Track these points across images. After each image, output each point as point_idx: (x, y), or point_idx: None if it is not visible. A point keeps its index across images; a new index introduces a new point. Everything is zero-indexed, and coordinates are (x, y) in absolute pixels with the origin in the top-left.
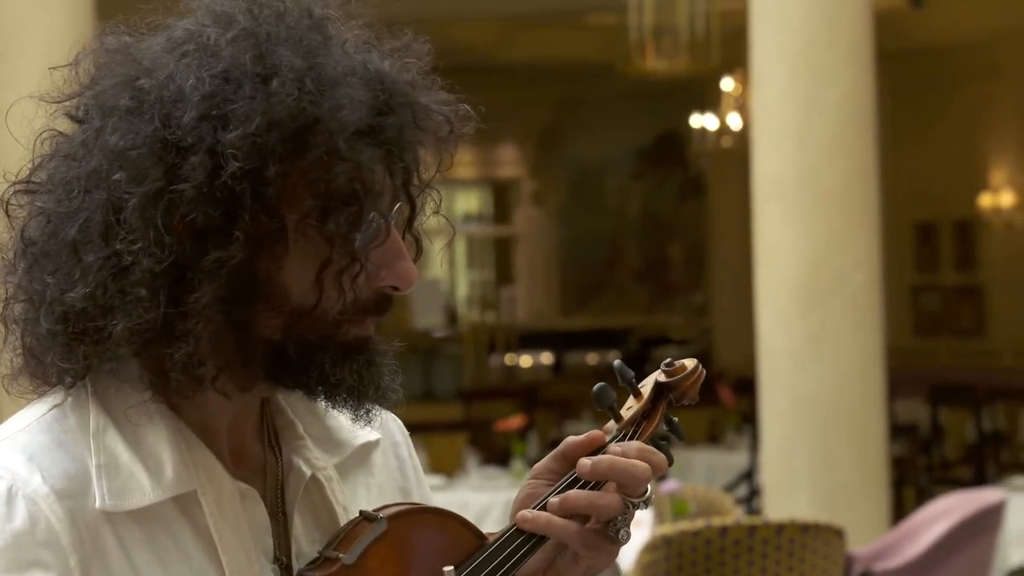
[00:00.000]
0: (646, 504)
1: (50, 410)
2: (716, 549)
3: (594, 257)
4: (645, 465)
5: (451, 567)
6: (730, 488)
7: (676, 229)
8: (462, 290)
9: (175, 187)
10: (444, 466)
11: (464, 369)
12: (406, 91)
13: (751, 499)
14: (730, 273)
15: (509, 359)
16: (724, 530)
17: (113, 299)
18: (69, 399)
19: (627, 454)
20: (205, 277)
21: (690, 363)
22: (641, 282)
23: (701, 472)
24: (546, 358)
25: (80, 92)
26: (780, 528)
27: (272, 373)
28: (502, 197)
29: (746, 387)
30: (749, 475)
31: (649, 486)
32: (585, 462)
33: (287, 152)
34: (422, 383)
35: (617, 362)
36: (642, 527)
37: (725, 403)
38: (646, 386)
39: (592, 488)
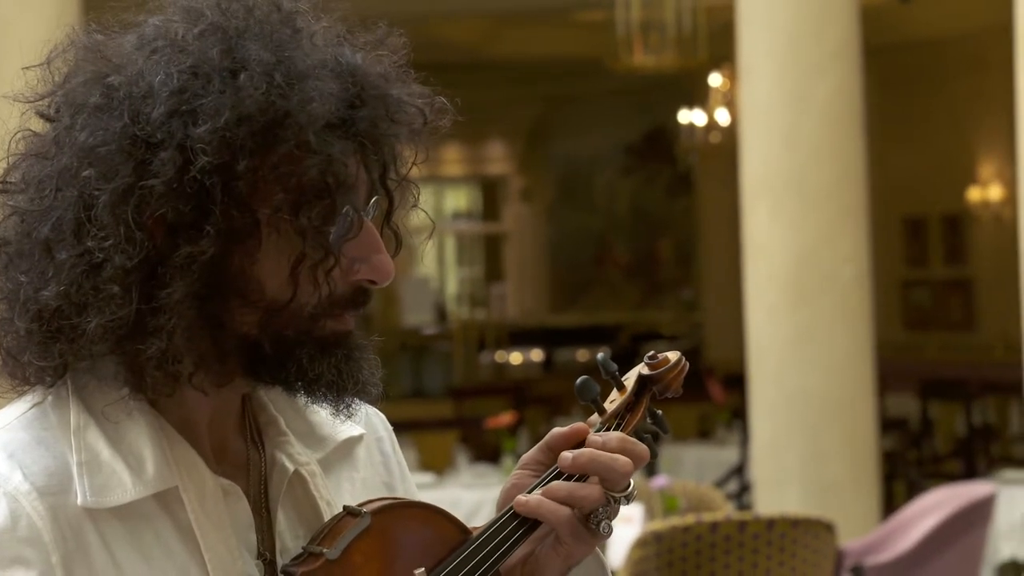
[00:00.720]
0: (628, 499)
1: (30, 408)
2: (707, 545)
3: (583, 254)
4: (626, 459)
5: (422, 569)
6: (720, 484)
7: (665, 225)
8: (452, 287)
9: (145, 183)
10: (435, 464)
11: (454, 366)
12: (378, 83)
13: (742, 494)
14: (719, 269)
15: (499, 356)
16: (715, 526)
17: (86, 296)
18: (49, 397)
19: (608, 445)
20: (177, 273)
21: (673, 356)
22: (630, 278)
23: (691, 468)
24: (536, 355)
25: (52, 91)
26: (771, 523)
27: (249, 369)
28: (491, 194)
29: (736, 382)
30: (739, 470)
31: (632, 481)
32: (566, 455)
33: (257, 146)
34: (412, 381)
35: (601, 355)
36: (633, 523)
37: (715, 398)
38: (629, 379)
39: (576, 480)
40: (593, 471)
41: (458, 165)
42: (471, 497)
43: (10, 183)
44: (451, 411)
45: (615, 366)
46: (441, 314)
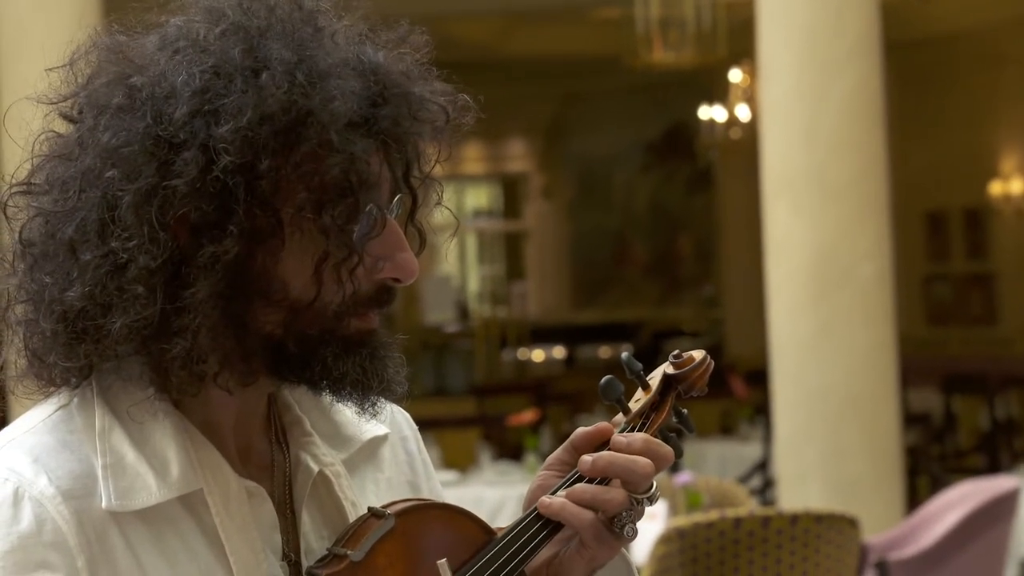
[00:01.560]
0: (651, 500)
1: (56, 411)
2: (730, 540)
3: (603, 251)
4: (646, 461)
5: (443, 560)
6: (744, 479)
7: (685, 222)
8: (473, 285)
9: (168, 183)
10: (457, 461)
11: (476, 364)
12: (400, 81)
13: (765, 490)
14: (740, 265)
15: (521, 354)
16: (738, 521)
17: (111, 297)
18: (75, 399)
19: (632, 447)
20: (201, 272)
21: (698, 354)
22: (651, 276)
23: (714, 464)
24: (558, 352)
25: (75, 92)
26: (794, 518)
27: (274, 368)
28: (511, 192)
29: (758, 378)
30: (763, 466)
31: (655, 482)
32: (586, 459)
33: (279, 145)
34: (434, 379)
35: (625, 355)
36: (656, 519)
37: (737, 394)
38: (654, 378)
39: (600, 482)
40: (613, 474)
41: (478, 163)
42: (494, 495)
43: (34, 184)
44: (473, 409)
45: (640, 365)
46: (463, 312)
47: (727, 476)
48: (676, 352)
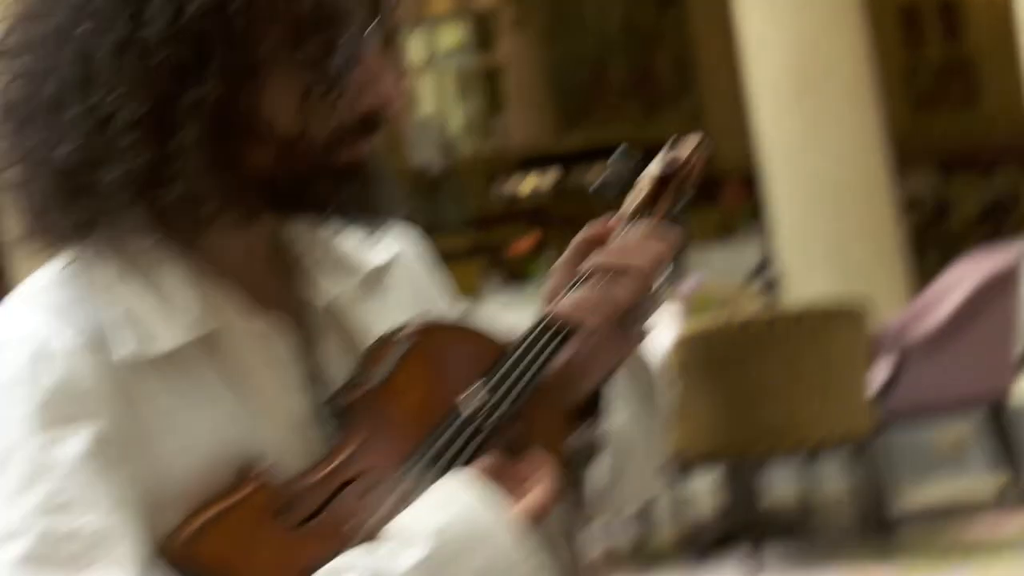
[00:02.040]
0: (661, 295)
1: (65, 267)
2: (740, 343)
3: (582, 76)
4: (656, 248)
5: (480, 381)
6: (748, 281)
7: (660, 39)
8: (456, 123)
9: (142, 32)
10: (461, 293)
11: (468, 199)
12: None
13: (770, 288)
14: (719, 75)
15: (511, 185)
16: (746, 324)
17: (100, 150)
18: (80, 255)
19: (636, 238)
20: (186, 117)
21: (691, 143)
22: (631, 96)
23: (717, 270)
24: (548, 179)
25: None
26: (799, 318)
27: (272, 204)
28: (483, 27)
29: (751, 183)
30: (764, 266)
31: (662, 277)
32: (593, 257)
33: None
34: (428, 216)
35: (620, 150)
36: (666, 329)
37: (732, 200)
38: (651, 172)
39: (609, 281)
40: (622, 267)
41: (446, 1)
42: (501, 323)
43: (9, 47)
44: (471, 242)
45: (635, 159)
46: (449, 151)
47: (731, 279)
48: (672, 141)
